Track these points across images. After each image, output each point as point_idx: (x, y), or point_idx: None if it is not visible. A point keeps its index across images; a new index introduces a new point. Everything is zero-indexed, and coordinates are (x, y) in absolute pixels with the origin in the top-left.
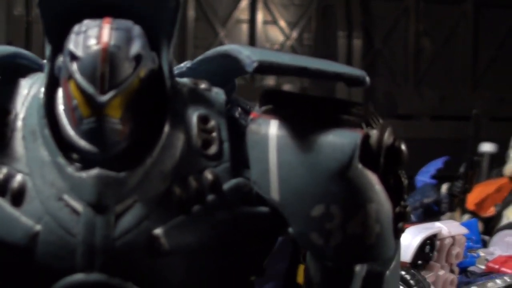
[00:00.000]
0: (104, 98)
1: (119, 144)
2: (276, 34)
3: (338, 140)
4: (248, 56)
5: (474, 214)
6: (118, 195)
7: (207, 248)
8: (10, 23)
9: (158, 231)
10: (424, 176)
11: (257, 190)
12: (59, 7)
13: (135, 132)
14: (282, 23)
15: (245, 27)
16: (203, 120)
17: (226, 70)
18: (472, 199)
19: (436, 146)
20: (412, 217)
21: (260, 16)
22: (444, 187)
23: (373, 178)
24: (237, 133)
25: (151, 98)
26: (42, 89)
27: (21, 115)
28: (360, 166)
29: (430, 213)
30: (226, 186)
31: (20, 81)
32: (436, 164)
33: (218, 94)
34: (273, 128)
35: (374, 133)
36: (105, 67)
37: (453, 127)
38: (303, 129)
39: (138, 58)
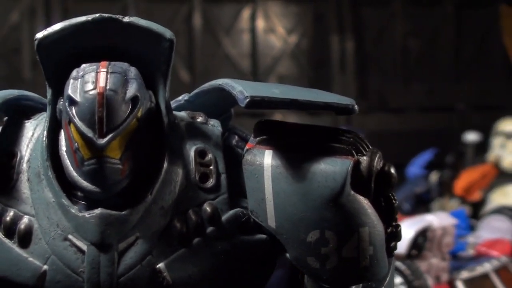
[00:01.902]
0: (103, 141)
1: (120, 183)
2: (275, 41)
3: (330, 168)
4: (241, 91)
5: (462, 199)
6: (121, 233)
7: (209, 278)
8: None
9: (160, 265)
10: (415, 167)
11: (255, 218)
12: (58, 53)
13: (135, 169)
14: (281, 30)
15: (247, 36)
16: (200, 154)
17: (222, 102)
18: (459, 185)
19: (424, 136)
20: (406, 205)
21: (260, 25)
22: (434, 177)
23: (365, 203)
24: (234, 162)
25: (149, 135)
26: (45, 132)
27: (26, 158)
28: (352, 192)
29: (422, 202)
30: (225, 217)
31: (24, 123)
32: (426, 156)
33: (214, 126)
34: (267, 158)
35: (364, 160)
36: (102, 111)
37: (439, 118)
38: (296, 159)
39: (134, 100)
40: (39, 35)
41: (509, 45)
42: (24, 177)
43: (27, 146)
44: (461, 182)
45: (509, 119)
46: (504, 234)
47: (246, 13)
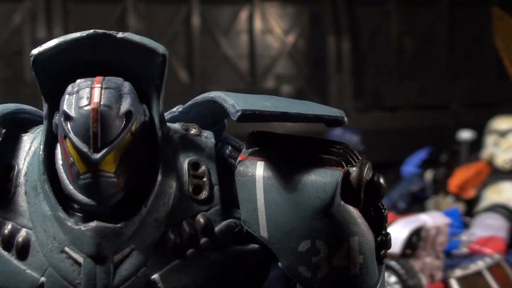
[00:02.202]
0: (98, 156)
1: (115, 196)
2: (273, 42)
3: (320, 180)
4: (233, 105)
5: (456, 196)
6: (116, 245)
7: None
8: None
9: (155, 276)
10: (409, 166)
11: (247, 228)
12: (53, 68)
13: (130, 182)
14: (278, 31)
15: (244, 37)
16: (194, 166)
17: (215, 113)
18: (454, 182)
19: (419, 134)
20: (401, 204)
21: (258, 26)
22: (428, 175)
23: (355, 213)
24: (228, 172)
25: (143, 148)
26: (42, 146)
27: (23, 171)
28: (342, 202)
29: (417, 200)
30: (218, 228)
31: (22, 136)
32: (420, 155)
33: (207, 138)
34: (259, 170)
35: (354, 171)
36: (97, 126)
37: (433, 115)
38: (287, 170)
39: (128, 115)
40: (35, 51)
41: (501, 47)
42: (21, 190)
43: (24, 159)
44: (455, 180)
45: (502, 117)
46: (497, 231)
47: (244, 15)
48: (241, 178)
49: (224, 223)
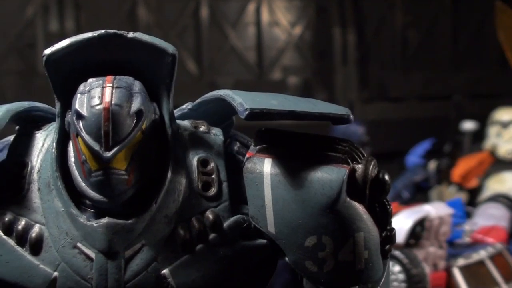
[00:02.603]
0: (109, 154)
1: (126, 193)
2: (280, 34)
3: (327, 177)
4: (241, 103)
5: (459, 186)
6: (127, 241)
7: (212, 282)
8: None
9: (165, 271)
10: (413, 156)
11: (255, 224)
12: (65, 67)
13: (140, 179)
14: (285, 23)
15: (252, 29)
16: (203, 163)
17: (223, 110)
18: (457, 172)
19: (423, 124)
20: (405, 193)
21: (265, 19)
22: (432, 165)
23: (360, 209)
24: (236, 169)
25: (154, 146)
26: (54, 144)
27: (36, 168)
28: (347, 199)
29: (420, 189)
30: (226, 224)
31: (35, 133)
32: (424, 145)
33: (216, 135)
34: (267, 167)
35: (359, 168)
36: (108, 125)
37: (437, 106)
38: (294, 167)
39: (139, 114)
40: (47, 51)
41: (504, 40)
42: (34, 187)
43: (38, 156)
44: (459, 170)
45: (505, 108)
46: (499, 221)
47: (251, 7)
48: (249, 174)
49: (232, 219)
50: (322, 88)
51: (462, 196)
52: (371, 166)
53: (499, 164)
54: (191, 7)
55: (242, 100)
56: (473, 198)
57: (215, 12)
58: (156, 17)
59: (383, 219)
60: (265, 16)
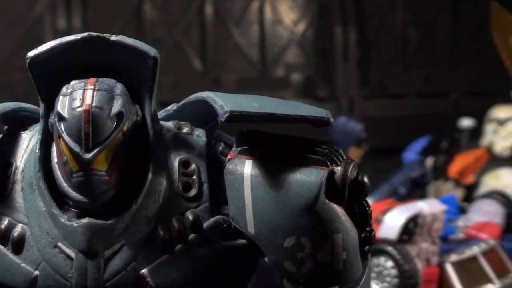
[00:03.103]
0: (89, 155)
1: (106, 193)
2: (282, 32)
3: (305, 179)
4: (222, 106)
5: (456, 182)
6: (107, 241)
7: (190, 282)
8: None
9: (144, 271)
10: (410, 153)
11: (235, 224)
12: (49, 69)
13: (121, 180)
14: (288, 21)
15: (255, 27)
16: (184, 164)
17: (207, 112)
18: (454, 168)
19: (422, 121)
20: (402, 189)
21: (268, 17)
22: (429, 161)
23: (339, 210)
24: (219, 169)
25: (135, 147)
26: (38, 145)
27: (20, 168)
28: (326, 201)
29: (417, 185)
30: (206, 224)
31: (21, 134)
32: (421, 142)
33: (199, 137)
34: (247, 168)
35: (338, 170)
36: (88, 127)
37: (436, 103)
38: (274, 169)
39: (119, 116)
40: (31, 53)
41: (498, 40)
42: (18, 186)
43: (22, 156)
44: (456, 166)
45: (502, 106)
46: (493, 217)
47: (255, 6)
48: (230, 176)
49: (212, 219)
50: (323, 84)
51: (459, 192)
52: (350, 168)
53: (496, 160)
54: (196, 5)
55: (223, 103)
56: (469, 194)
57: (219, 10)
58: (161, 15)
59: (362, 221)
60: (268, 14)
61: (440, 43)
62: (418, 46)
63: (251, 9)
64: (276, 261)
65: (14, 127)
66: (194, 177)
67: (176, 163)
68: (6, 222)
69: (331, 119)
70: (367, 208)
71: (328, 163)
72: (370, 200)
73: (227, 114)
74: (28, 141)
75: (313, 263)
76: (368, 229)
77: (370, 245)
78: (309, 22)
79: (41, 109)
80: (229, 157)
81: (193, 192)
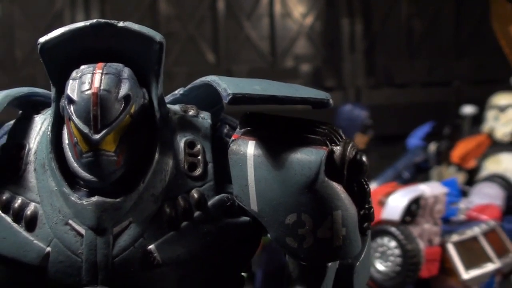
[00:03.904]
0: (98, 136)
1: (115, 173)
2: (292, 24)
3: (306, 158)
4: (225, 89)
5: (458, 166)
6: (115, 218)
7: (196, 257)
8: None
9: (151, 247)
10: (414, 139)
11: (239, 202)
12: (59, 55)
13: (129, 160)
14: (297, 14)
15: (266, 20)
16: (189, 145)
17: (213, 95)
18: (456, 153)
19: (426, 108)
20: (406, 174)
21: (278, 10)
22: (432, 147)
23: (338, 188)
24: (223, 150)
25: (143, 128)
26: (50, 127)
27: (33, 149)
28: (326, 179)
29: (421, 170)
30: (211, 202)
31: (34, 117)
32: (424, 128)
33: (204, 119)
34: (250, 148)
35: (337, 150)
36: (96, 109)
37: (440, 92)
38: (276, 149)
39: (127, 98)
40: (42, 39)
41: (498, 29)
42: (31, 167)
43: (35, 139)
44: (458, 151)
45: (502, 93)
46: (494, 199)
47: (265, 0)
48: (233, 156)
49: (216, 197)
50: (331, 75)
51: (461, 176)
52: (349, 148)
53: (496, 146)
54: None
55: (226, 86)
56: (471, 177)
57: (231, 4)
58: (175, 10)
59: (361, 198)
60: (278, 7)
61: (443, 34)
62: (422, 37)
63: (261, 3)
64: (278, 237)
65: (28, 111)
66: (199, 157)
67: (182, 144)
68: (19, 201)
69: (331, 101)
70: (366, 186)
71: (328, 143)
72: (374, 184)
73: (230, 96)
74: (41, 124)
75: (314, 239)
76: (367, 206)
77: (369, 221)
78: (317, 15)
79: (52, 92)
80: (233, 138)
81: (198, 171)
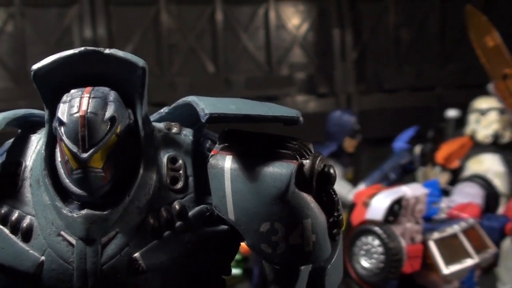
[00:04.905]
0: (86, 155)
1: (103, 188)
2: (286, 35)
3: (277, 171)
4: (203, 109)
5: (442, 167)
6: (103, 229)
7: (178, 264)
8: None
9: (136, 255)
10: (399, 142)
11: (218, 212)
12: (51, 80)
13: (116, 176)
14: (291, 26)
15: (262, 31)
16: (172, 160)
17: (195, 113)
18: (440, 155)
19: (413, 113)
20: (392, 175)
21: (273, 22)
22: (417, 149)
23: (308, 199)
24: (204, 164)
25: (128, 146)
26: (43, 146)
27: (29, 167)
28: (296, 190)
29: (407, 171)
30: (191, 213)
31: (31, 136)
32: (409, 132)
33: (186, 136)
34: (228, 163)
35: (307, 163)
36: (84, 131)
37: (426, 97)
38: (251, 163)
39: (112, 120)
40: (35, 67)
41: (474, 39)
42: (27, 183)
43: (31, 156)
44: (442, 152)
45: (483, 97)
46: (474, 198)
47: (261, 12)
48: (212, 169)
49: (197, 208)
50: (324, 82)
51: (445, 176)
52: (317, 161)
53: (478, 147)
54: (208, 13)
55: (204, 106)
56: (455, 177)
57: (229, 17)
58: (177, 23)
59: (330, 207)
60: (273, 20)
61: (429, 42)
62: (410, 45)
63: (257, 15)
64: (254, 244)
65: (26, 130)
66: (180, 171)
67: (165, 159)
68: (16, 214)
69: (301, 118)
70: (334, 196)
71: (298, 157)
72: (362, 185)
73: (207, 116)
74: (37, 143)
75: (286, 245)
76: (335, 214)
77: (338, 228)
78: (309, 26)
79: (46, 115)
80: (212, 153)
81: (179, 184)
